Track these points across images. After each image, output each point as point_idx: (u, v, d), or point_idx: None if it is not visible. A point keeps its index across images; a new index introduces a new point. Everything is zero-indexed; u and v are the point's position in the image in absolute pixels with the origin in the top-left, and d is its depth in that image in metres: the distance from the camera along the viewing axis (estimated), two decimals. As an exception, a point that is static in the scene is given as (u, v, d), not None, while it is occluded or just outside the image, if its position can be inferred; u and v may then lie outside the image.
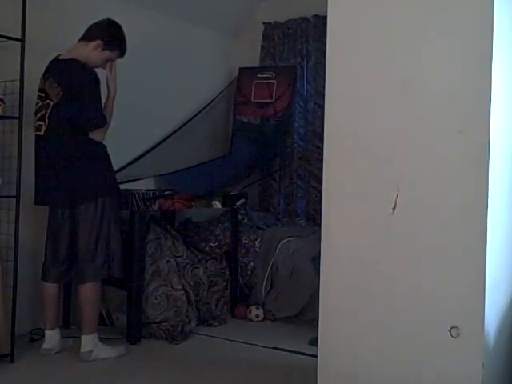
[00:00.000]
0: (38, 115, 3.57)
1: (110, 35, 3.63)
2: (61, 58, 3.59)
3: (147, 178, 4.58)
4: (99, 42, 3.59)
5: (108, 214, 3.58)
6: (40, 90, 3.59)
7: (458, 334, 2.42)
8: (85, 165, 3.53)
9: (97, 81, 3.51)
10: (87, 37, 3.61)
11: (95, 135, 3.52)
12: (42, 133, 3.53)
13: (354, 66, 2.72)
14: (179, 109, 5.06)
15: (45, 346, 3.62)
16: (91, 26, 3.63)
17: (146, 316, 4.00)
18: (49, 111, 3.51)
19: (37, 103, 3.59)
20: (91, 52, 3.59)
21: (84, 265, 3.56)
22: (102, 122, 3.52)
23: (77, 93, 3.47)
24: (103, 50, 3.61)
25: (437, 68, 2.51)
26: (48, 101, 3.52)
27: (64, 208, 3.58)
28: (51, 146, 3.52)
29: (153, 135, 4.83)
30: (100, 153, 3.59)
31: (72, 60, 3.53)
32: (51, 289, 3.64)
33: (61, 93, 3.48)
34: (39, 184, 3.60)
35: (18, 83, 3.46)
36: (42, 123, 3.54)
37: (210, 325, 4.32)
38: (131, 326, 3.94)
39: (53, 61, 3.62)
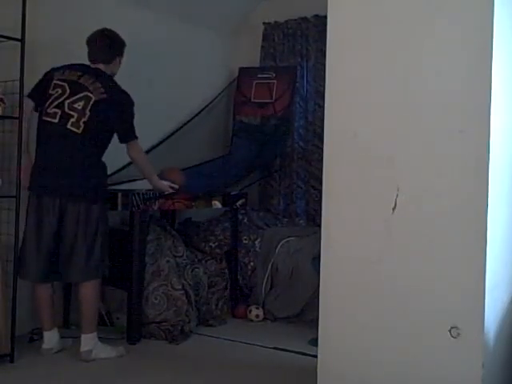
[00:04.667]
0: (63, 103, 3.54)
1: (120, 47, 3.77)
2: (93, 66, 3.68)
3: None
4: (118, 58, 3.77)
5: (104, 215, 3.63)
6: (63, 80, 3.58)
7: (458, 334, 2.43)
8: (99, 166, 3.61)
9: (133, 104, 3.68)
10: (106, 61, 3.70)
11: (131, 147, 3.72)
12: (76, 128, 3.52)
13: (353, 66, 2.73)
14: (179, 109, 5.06)
15: (45, 346, 3.62)
16: (101, 52, 3.68)
17: (146, 316, 4.00)
18: (90, 104, 3.53)
19: (56, 91, 3.57)
20: (114, 67, 3.77)
21: (80, 263, 3.54)
22: (133, 136, 3.70)
23: (117, 107, 3.59)
24: (120, 60, 3.80)
25: (437, 68, 2.51)
26: (88, 93, 3.54)
27: (56, 201, 3.50)
28: (84, 139, 3.53)
29: (153, 135, 4.82)
30: (104, 163, 3.67)
31: (111, 76, 3.70)
32: (44, 290, 3.61)
33: (105, 95, 3.54)
34: (44, 172, 3.54)
35: (17, 83, 3.46)
36: (73, 113, 3.53)
37: (210, 325, 4.31)
38: (131, 326, 3.94)
39: (82, 64, 3.67)
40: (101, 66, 3.69)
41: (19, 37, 3.45)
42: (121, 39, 3.78)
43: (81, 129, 3.52)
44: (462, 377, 2.44)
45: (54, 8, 4.02)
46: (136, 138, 3.72)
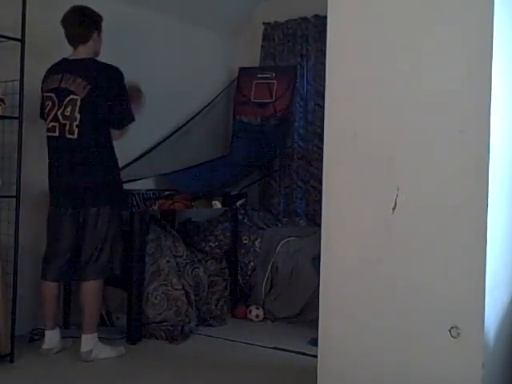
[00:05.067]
0: (56, 115, 3.55)
1: (93, 21, 3.63)
2: (72, 58, 3.60)
3: (147, 178, 4.59)
4: (95, 34, 3.62)
5: (115, 218, 3.63)
6: (50, 91, 3.58)
7: (458, 334, 2.43)
8: (105, 168, 3.59)
9: (123, 78, 3.57)
10: (82, 40, 3.59)
11: (118, 134, 3.61)
12: (71, 134, 3.52)
13: (353, 65, 2.73)
14: (179, 109, 5.06)
15: (45, 346, 3.62)
16: (75, 31, 3.58)
17: (146, 316, 4.00)
18: (78, 106, 3.50)
19: (47, 105, 3.59)
20: (94, 46, 3.63)
21: (88, 264, 3.56)
22: (130, 119, 3.60)
23: (106, 89, 3.51)
24: (98, 35, 3.66)
25: (437, 68, 2.51)
26: (73, 96, 3.51)
27: (70, 206, 3.57)
28: (81, 143, 3.52)
29: (153, 135, 4.83)
30: (115, 158, 3.66)
31: (90, 59, 3.58)
32: (51, 288, 3.64)
33: (88, 87, 3.49)
34: (57, 184, 3.61)
35: (17, 83, 3.46)
36: (66, 122, 3.52)
37: (210, 325, 4.31)
38: (131, 326, 3.94)
39: (62, 62, 3.62)
40: (80, 50, 3.59)
41: (19, 37, 3.45)
42: (95, 13, 3.65)
43: (75, 133, 3.52)
44: (462, 377, 2.44)
45: (54, 8, 4.01)
46: (134, 119, 3.61)
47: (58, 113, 3.54)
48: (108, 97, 3.52)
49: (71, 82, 3.53)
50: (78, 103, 3.50)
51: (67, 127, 3.53)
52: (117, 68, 3.57)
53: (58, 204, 3.62)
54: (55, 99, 3.56)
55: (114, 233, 3.62)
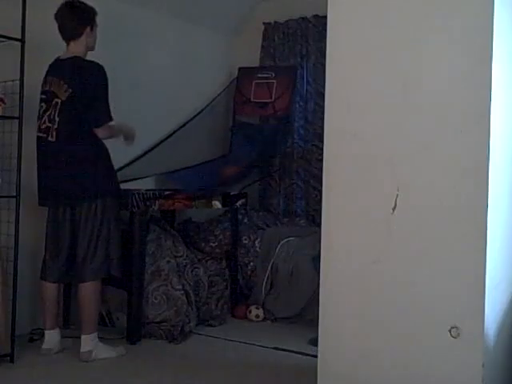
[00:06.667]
0: (45, 117, 3.56)
1: (87, 15, 3.59)
2: (62, 57, 3.59)
3: (147, 177, 4.59)
4: (87, 28, 3.58)
5: (108, 213, 3.59)
6: (43, 93, 3.60)
7: (458, 334, 2.43)
8: (88, 164, 3.55)
9: (104, 76, 3.53)
10: (74, 35, 3.56)
11: (99, 132, 3.55)
12: (51, 137, 3.53)
13: (354, 66, 2.73)
14: (179, 108, 5.06)
15: (45, 346, 3.62)
16: (66, 25, 3.55)
17: (146, 316, 4.00)
18: (58, 109, 3.51)
19: (41, 107, 3.59)
20: (87, 41, 3.59)
21: (84, 264, 3.56)
22: (106, 118, 3.54)
23: (85, 90, 3.48)
24: (91, 29, 3.61)
25: (437, 68, 2.51)
26: (56, 99, 3.52)
27: (65, 207, 3.58)
28: (59, 145, 3.53)
29: (153, 135, 4.82)
30: (102, 153, 3.61)
31: (76, 58, 3.54)
32: (51, 289, 3.64)
33: (69, 90, 3.48)
34: (43, 184, 3.61)
35: (18, 83, 3.47)
36: (50, 125, 3.54)
37: (210, 325, 4.31)
38: (131, 326, 3.94)
39: (54, 62, 3.62)
40: (72, 47, 3.56)
41: (19, 37, 3.45)
42: (89, 7, 3.60)
43: (54, 136, 3.53)
44: (461, 377, 2.44)
45: (54, 8, 4.00)
46: (111, 119, 3.55)
47: (45, 115, 3.56)
48: (87, 97, 3.49)
49: (56, 85, 3.54)
50: (59, 106, 3.51)
51: (51, 130, 3.54)
52: (99, 66, 3.53)
53: (45, 204, 3.62)
54: (46, 101, 3.57)
55: (109, 230, 3.59)
